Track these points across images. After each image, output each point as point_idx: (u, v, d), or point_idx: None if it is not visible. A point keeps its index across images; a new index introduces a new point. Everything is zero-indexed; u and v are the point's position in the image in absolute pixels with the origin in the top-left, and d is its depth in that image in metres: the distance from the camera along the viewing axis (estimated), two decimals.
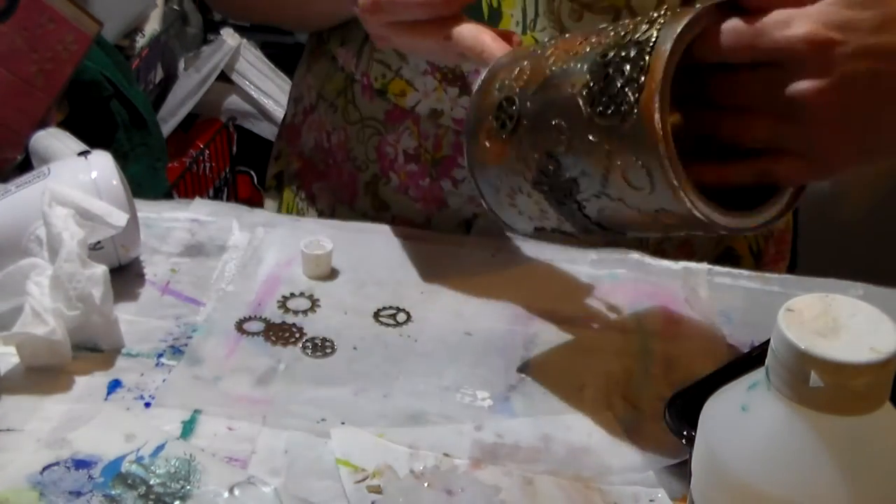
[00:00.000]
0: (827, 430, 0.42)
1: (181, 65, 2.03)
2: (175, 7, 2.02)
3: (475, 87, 0.67)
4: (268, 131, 2.11)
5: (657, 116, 0.55)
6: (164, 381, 0.68)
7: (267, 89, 2.08)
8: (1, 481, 0.59)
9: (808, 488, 0.42)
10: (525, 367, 0.71)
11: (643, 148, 0.56)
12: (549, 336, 0.74)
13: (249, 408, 0.66)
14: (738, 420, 0.44)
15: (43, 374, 0.68)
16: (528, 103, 0.62)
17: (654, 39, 0.57)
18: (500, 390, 0.69)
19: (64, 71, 1.00)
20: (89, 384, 0.67)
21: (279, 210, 1.03)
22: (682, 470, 0.62)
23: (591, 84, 0.58)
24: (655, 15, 0.59)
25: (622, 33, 0.59)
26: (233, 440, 0.63)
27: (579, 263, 0.81)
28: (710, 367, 0.70)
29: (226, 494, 0.59)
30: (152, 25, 1.89)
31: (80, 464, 0.60)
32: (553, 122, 0.61)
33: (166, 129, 1.88)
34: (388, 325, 0.75)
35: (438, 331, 0.75)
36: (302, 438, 0.64)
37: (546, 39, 0.66)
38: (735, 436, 0.44)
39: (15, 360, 0.69)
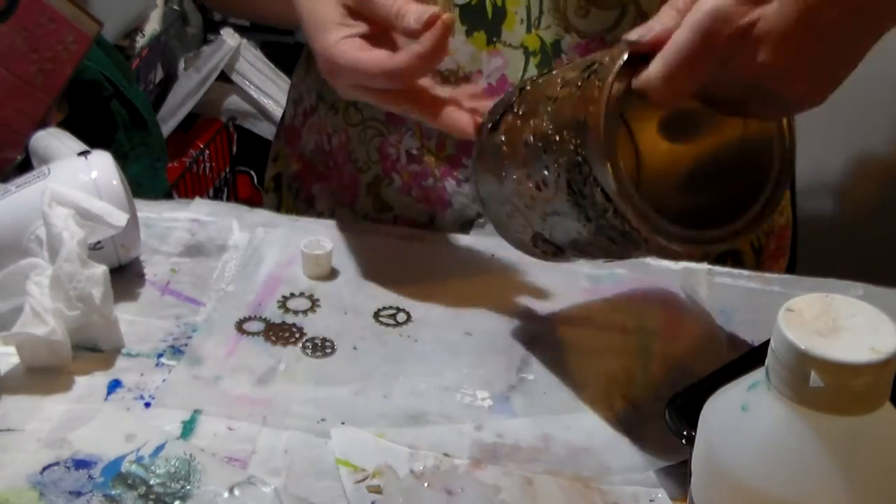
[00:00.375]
0: (827, 430, 0.42)
1: (181, 65, 2.03)
2: (175, 7, 2.02)
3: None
4: (268, 131, 2.11)
5: (665, 242, 0.59)
6: (164, 381, 0.68)
7: (267, 89, 2.08)
8: (1, 481, 0.59)
9: (808, 488, 0.42)
10: (525, 367, 0.71)
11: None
12: (549, 336, 0.74)
13: (249, 408, 0.66)
14: (738, 420, 0.44)
15: (43, 374, 0.68)
16: (558, 240, 0.68)
17: (598, 185, 0.59)
18: (500, 390, 0.69)
19: (64, 71, 1.00)
20: (89, 384, 0.67)
21: (278, 212, 1.03)
22: (682, 470, 0.62)
23: (596, 233, 0.63)
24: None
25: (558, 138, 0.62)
26: (233, 440, 0.63)
27: (580, 263, 0.81)
28: (710, 367, 0.70)
29: (226, 494, 0.59)
30: (152, 25, 1.89)
31: (80, 464, 0.60)
32: (591, 248, 0.66)
33: (166, 129, 1.88)
34: (388, 325, 0.75)
35: (438, 331, 0.75)
36: (302, 438, 0.64)
37: (495, 145, 0.69)
38: (735, 436, 0.44)
39: (15, 360, 0.69)
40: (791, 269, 1.01)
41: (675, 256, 0.64)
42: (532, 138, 0.64)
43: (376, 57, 0.69)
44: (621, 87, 0.59)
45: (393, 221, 0.90)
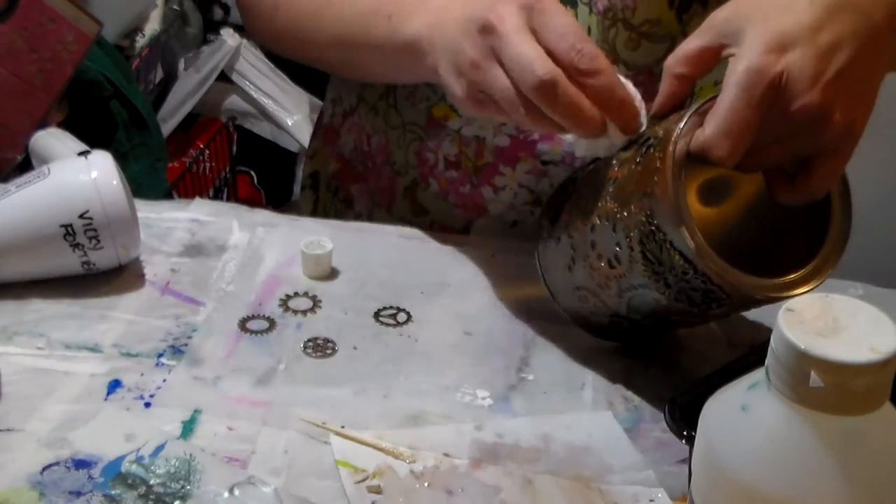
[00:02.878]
0: (827, 430, 0.42)
1: (181, 65, 2.03)
2: (175, 7, 2.02)
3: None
4: (268, 131, 2.11)
5: (750, 292, 0.62)
6: (164, 381, 0.68)
7: (267, 89, 2.08)
8: (1, 481, 0.59)
9: (808, 488, 0.42)
10: (525, 367, 0.71)
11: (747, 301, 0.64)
12: (549, 336, 0.74)
13: (249, 408, 0.66)
14: (738, 420, 0.44)
15: (43, 374, 0.68)
16: (636, 314, 0.69)
17: (675, 250, 0.61)
18: (501, 390, 0.69)
19: (64, 71, 1.00)
20: (89, 384, 0.67)
21: (314, 210, 1.02)
22: (682, 470, 0.62)
23: (678, 299, 0.64)
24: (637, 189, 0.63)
25: (633, 242, 0.64)
26: (233, 440, 0.63)
27: None
28: (710, 367, 0.70)
29: (226, 494, 0.59)
30: (152, 25, 1.88)
31: (80, 464, 0.60)
32: (670, 312, 0.67)
33: (166, 129, 1.88)
34: (388, 324, 0.75)
35: (439, 331, 0.75)
36: (302, 438, 0.64)
37: (560, 238, 0.70)
38: (735, 436, 0.44)
39: (15, 359, 0.69)
40: None
41: (757, 305, 0.66)
42: (598, 220, 0.66)
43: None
44: (683, 152, 0.61)
45: (429, 226, 0.90)
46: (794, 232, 0.68)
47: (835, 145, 0.63)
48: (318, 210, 1.02)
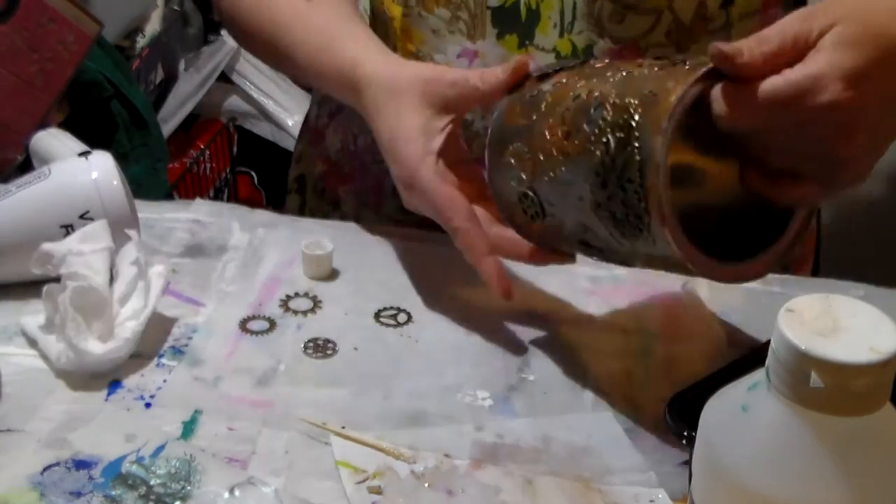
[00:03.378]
0: (827, 431, 0.42)
1: (181, 65, 2.03)
2: (175, 7, 2.02)
3: (486, 143, 0.70)
4: (268, 132, 2.11)
5: (671, 239, 0.60)
6: (164, 381, 0.68)
7: (267, 89, 2.08)
8: (1, 481, 0.59)
9: (808, 488, 0.42)
10: (525, 367, 0.71)
11: (670, 254, 0.61)
12: (549, 336, 0.74)
13: (249, 408, 0.66)
14: (738, 420, 0.44)
15: (43, 374, 0.68)
16: (548, 202, 0.67)
17: (639, 139, 0.59)
18: (501, 390, 0.69)
19: (64, 71, 1.00)
20: (89, 384, 0.67)
21: (300, 214, 1.02)
22: (682, 470, 0.62)
23: (600, 206, 0.62)
24: (643, 85, 0.62)
25: (607, 125, 0.62)
26: (233, 440, 0.63)
27: (580, 264, 0.81)
28: (710, 367, 0.70)
29: (226, 495, 0.59)
30: (152, 25, 1.89)
31: (81, 464, 0.60)
32: (577, 223, 0.65)
33: (167, 129, 1.88)
34: (388, 325, 0.75)
35: (439, 331, 0.75)
36: (302, 439, 0.64)
37: (543, 92, 0.68)
38: (735, 436, 0.44)
39: (15, 359, 0.69)
40: (815, 272, 1.00)
41: (665, 267, 0.65)
42: (586, 94, 0.64)
43: (456, 203, 0.71)
44: (698, 90, 0.60)
45: (418, 224, 0.90)
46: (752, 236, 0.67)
47: (836, 182, 0.63)
48: (305, 213, 1.02)
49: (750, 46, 0.60)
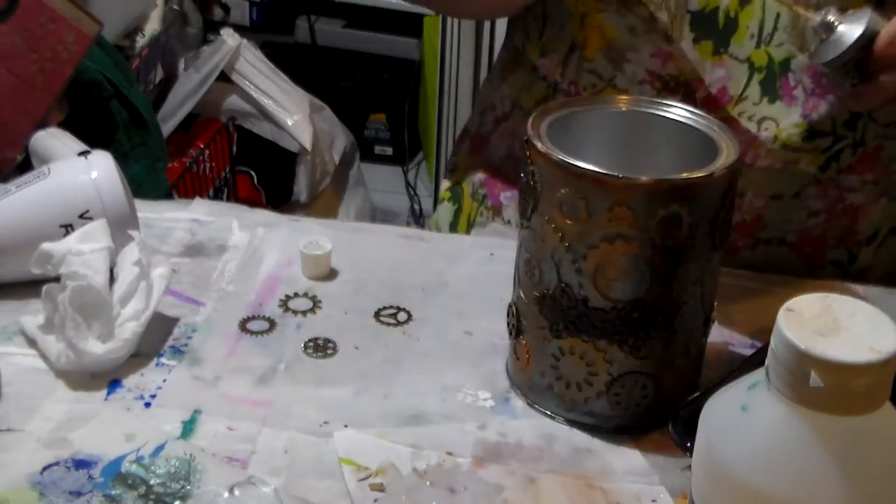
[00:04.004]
0: (827, 430, 0.42)
1: (181, 65, 2.03)
2: (175, 7, 2.02)
3: None
4: (268, 131, 2.11)
5: None
6: (164, 381, 0.68)
7: (267, 89, 2.08)
8: (1, 481, 0.59)
9: (808, 488, 0.42)
10: None
11: None
12: None
13: (249, 408, 0.66)
14: (738, 420, 0.44)
15: (43, 374, 0.68)
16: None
17: None
18: (501, 390, 0.69)
19: (64, 71, 1.00)
20: (89, 384, 0.67)
21: (455, 220, 1.00)
22: (684, 469, 0.62)
23: None
24: None
25: None
26: (233, 440, 0.63)
27: None
28: (710, 367, 0.70)
29: (226, 494, 0.59)
30: (152, 25, 1.89)
31: (81, 464, 0.60)
32: None
33: (166, 129, 1.88)
34: (388, 324, 0.75)
35: (439, 330, 0.75)
36: (302, 438, 0.64)
37: None
38: (735, 436, 0.44)
39: (15, 359, 0.69)
40: None
41: None
42: None
43: None
44: None
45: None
46: None
47: None
48: (460, 221, 1.00)
49: None
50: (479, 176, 0.98)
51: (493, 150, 0.96)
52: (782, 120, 0.79)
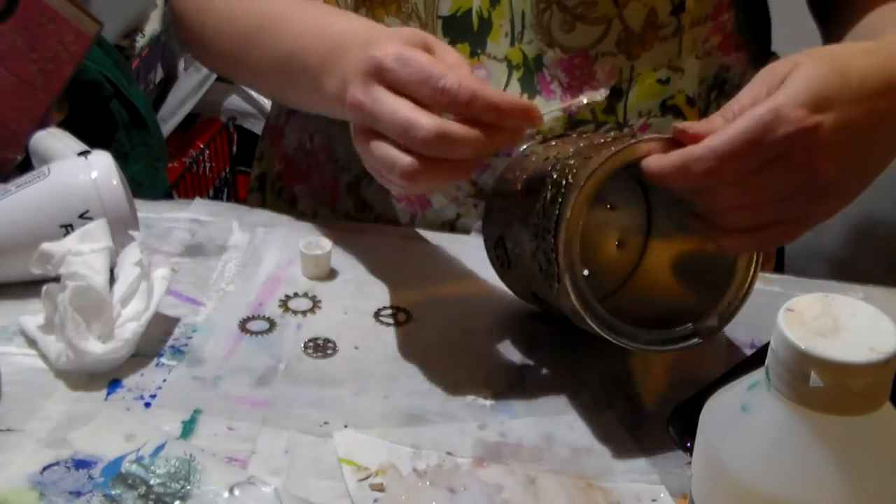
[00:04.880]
0: (827, 430, 0.42)
1: (181, 65, 2.03)
2: None
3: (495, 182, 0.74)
4: None
5: (575, 302, 0.62)
6: (164, 381, 0.68)
7: None
8: (1, 481, 0.59)
9: (808, 488, 0.42)
10: (525, 367, 0.71)
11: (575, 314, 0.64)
12: (549, 336, 0.74)
13: (249, 408, 0.66)
14: (738, 420, 0.44)
15: (43, 374, 0.68)
16: (512, 252, 0.71)
17: (558, 208, 0.62)
18: (501, 390, 0.69)
19: (64, 71, 1.00)
20: (89, 384, 0.67)
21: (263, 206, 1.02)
22: (684, 469, 0.62)
23: (534, 255, 0.66)
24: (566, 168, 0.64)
25: (542, 198, 0.65)
26: (233, 440, 0.63)
27: None
28: (710, 366, 0.70)
29: (226, 494, 0.59)
30: (152, 25, 1.89)
31: (80, 464, 0.60)
32: (527, 271, 0.68)
33: (166, 129, 1.88)
34: (388, 324, 0.75)
35: (439, 330, 0.75)
36: (302, 438, 0.64)
37: (532, 150, 0.72)
38: (735, 436, 0.44)
39: (15, 359, 0.69)
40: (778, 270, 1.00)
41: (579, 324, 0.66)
42: (554, 154, 0.68)
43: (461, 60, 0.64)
44: (617, 162, 0.62)
45: (374, 221, 0.90)
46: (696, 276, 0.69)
47: (811, 216, 0.63)
48: (266, 206, 1.02)
49: (712, 119, 0.61)
50: (277, 167, 0.99)
51: (287, 142, 0.98)
52: (544, 114, 0.78)
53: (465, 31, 0.82)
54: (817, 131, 0.59)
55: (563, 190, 0.62)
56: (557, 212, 0.62)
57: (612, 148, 0.62)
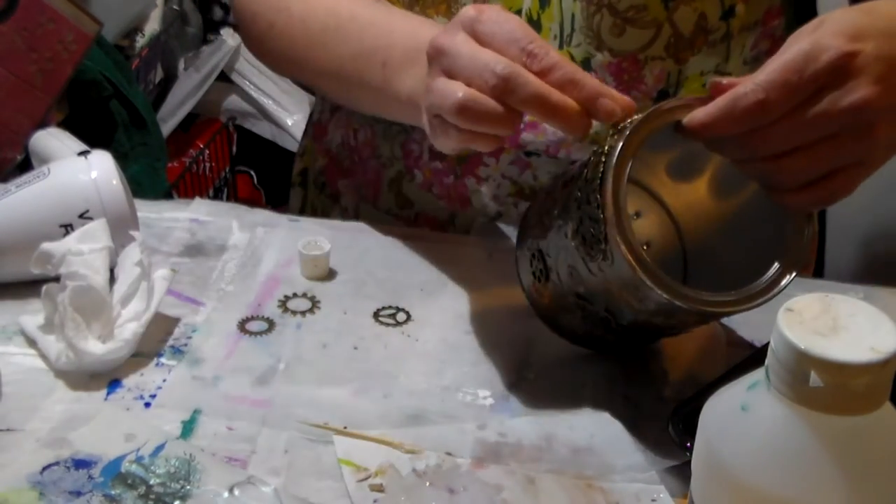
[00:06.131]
0: (827, 430, 0.42)
1: (181, 65, 2.03)
2: (175, 7, 2.02)
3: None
4: (268, 131, 2.11)
5: (629, 257, 0.59)
6: (164, 381, 0.68)
7: (267, 89, 2.08)
8: (1, 481, 0.59)
9: (808, 488, 0.42)
10: (525, 367, 0.71)
11: (629, 281, 0.60)
12: (549, 336, 0.74)
13: (249, 408, 0.66)
14: (738, 420, 0.44)
15: (43, 374, 0.68)
16: (548, 255, 0.67)
17: (599, 176, 0.60)
18: (501, 389, 0.69)
19: (64, 71, 1.00)
20: (89, 384, 0.67)
21: (302, 207, 1.03)
22: (684, 469, 0.62)
23: (577, 231, 0.63)
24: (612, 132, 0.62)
25: (582, 170, 0.63)
26: (233, 440, 0.63)
27: None
28: (709, 366, 0.70)
29: (226, 494, 0.59)
30: (152, 25, 1.88)
31: (80, 464, 0.60)
32: (567, 266, 0.65)
33: (166, 129, 1.88)
34: (387, 324, 0.75)
35: (438, 330, 0.75)
36: (302, 438, 0.64)
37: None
38: (735, 436, 0.44)
39: (15, 359, 0.69)
40: (819, 273, 1.00)
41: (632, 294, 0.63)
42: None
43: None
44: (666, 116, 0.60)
45: (414, 218, 0.90)
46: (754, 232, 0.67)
47: (867, 157, 0.62)
48: (307, 206, 1.03)
49: (751, 76, 0.60)
50: (320, 162, 1.00)
51: (331, 138, 0.98)
52: None
53: None
54: (857, 56, 0.59)
55: (606, 150, 0.60)
56: (602, 169, 0.60)
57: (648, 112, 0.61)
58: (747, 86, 0.58)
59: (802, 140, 0.60)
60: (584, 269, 0.63)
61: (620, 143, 0.59)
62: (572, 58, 0.81)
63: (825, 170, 0.61)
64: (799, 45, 0.59)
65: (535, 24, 0.81)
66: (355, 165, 0.95)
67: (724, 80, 0.60)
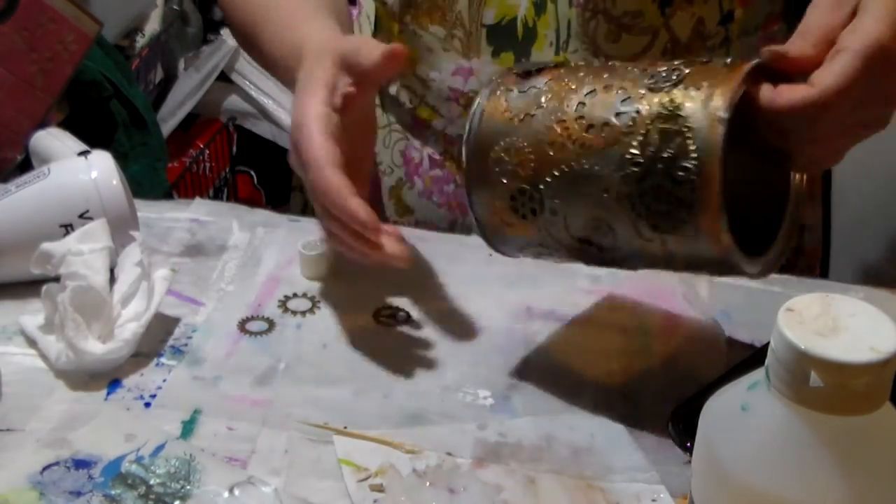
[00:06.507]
0: (827, 430, 0.42)
1: (181, 65, 2.03)
2: (175, 7, 2.02)
3: (465, 141, 0.66)
4: (268, 131, 2.11)
5: (723, 234, 0.58)
6: (164, 381, 0.68)
7: (267, 89, 2.08)
8: (1, 481, 0.59)
9: (808, 488, 0.42)
10: (525, 367, 0.71)
11: (706, 249, 0.59)
12: (549, 336, 0.74)
13: (249, 408, 0.66)
14: (738, 420, 0.44)
15: (43, 374, 0.68)
16: (551, 198, 0.63)
17: (693, 129, 0.58)
18: (501, 389, 0.69)
19: (64, 71, 1.00)
20: (89, 384, 0.67)
21: (303, 212, 1.03)
22: (684, 469, 0.62)
23: (631, 197, 0.60)
24: (676, 79, 0.59)
25: (646, 117, 0.59)
26: (233, 440, 0.63)
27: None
28: (709, 366, 0.70)
29: (226, 494, 0.59)
30: (152, 25, 1.89)
31: (80, 464, 0.60)
32: (591, 217, 0.62)
33: (166, 129, 1.88)
34: (387, 324, 0.75)
35: (438, 330, 0.75)
36: (302, 438, 0.64)
37: (538, 88, 0.65)
38: (735, 436, 0.44)
39: (15, 359, 0.69)
40: (824, 272, 1.00)
41: (697, 268, 0.63)
42: (602, 87, 0.62)
43: (331, 154, 0.67)
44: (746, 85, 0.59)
45: (414, 226, 0.91)
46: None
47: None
48: (307, 211, 1.02)
49: (796, 42, 0.60)
50: None
51: None
52: None
53: (509, 40, 0.82)
54: None
55: (686, 125, 0.58)
56: (694, 147, 0.57)
57: (723, 76, 0.59)
58: (819, 93, 0.58)
59: (841, 129, 0.61)
60: (630, 232, 0.61)
61: (720, 131, 0.57)
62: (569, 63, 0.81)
63: (849, 144, 0.62)
64: (865, 50, 0.58)
65: (531, 30, 0.81)
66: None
67: (786, 54, 0.59)
